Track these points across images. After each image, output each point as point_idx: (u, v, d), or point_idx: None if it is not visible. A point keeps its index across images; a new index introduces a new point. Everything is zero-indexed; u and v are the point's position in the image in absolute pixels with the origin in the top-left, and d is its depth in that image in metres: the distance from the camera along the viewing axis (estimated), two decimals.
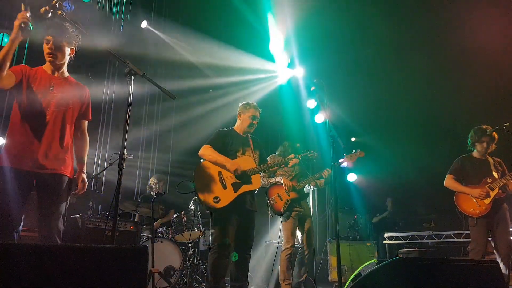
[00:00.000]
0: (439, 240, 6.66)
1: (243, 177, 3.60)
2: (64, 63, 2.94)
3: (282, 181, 4.63)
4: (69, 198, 2.89)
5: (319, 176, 4.74)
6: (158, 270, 4.51)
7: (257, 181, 3.70)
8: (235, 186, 3.58)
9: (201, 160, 3.72)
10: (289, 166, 3.83)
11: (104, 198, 5.21)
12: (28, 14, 2.50)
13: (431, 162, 5.23)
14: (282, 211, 4.61)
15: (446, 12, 7.12)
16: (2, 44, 6.04)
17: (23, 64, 2.86)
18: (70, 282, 1.57)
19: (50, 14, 2.51)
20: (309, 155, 3.92)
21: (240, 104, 4.04)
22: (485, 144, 4.33)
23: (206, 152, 3.67)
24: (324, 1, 7.27)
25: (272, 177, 4.76)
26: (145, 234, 5.39)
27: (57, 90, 2.84)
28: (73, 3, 6.46)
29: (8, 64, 2.57)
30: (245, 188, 3.60)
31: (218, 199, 3.48)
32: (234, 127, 3.99)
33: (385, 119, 8.48)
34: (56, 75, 2.91)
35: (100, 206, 5.83)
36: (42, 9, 2.50)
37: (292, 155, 3.88)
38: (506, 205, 4.24)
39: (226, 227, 3.47)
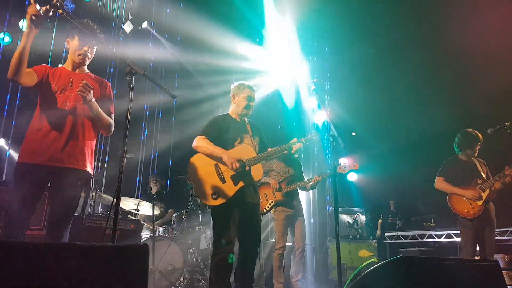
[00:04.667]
0: (440, 240, 6.67)
1: (242, 169, 3.27)
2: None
3: (270, 182, 4.64)
4: (89, 193, 2.89)
5: (308, 181, 4.74)
6: (159, 269, 4.52)
7: (259, 172, 3.37)
8: (235, 179, 3.26)
9: (195, 152, 3.38)
10: (293, 151, 3.51)
11: (104, 197, 5.21)
12: (38, 7, 2.50)
13: (431, 161, 5.23)
14: (264, 210, 4.60)
15: (446, 11, 7.11)
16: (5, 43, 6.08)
17: (45, 64, 2.90)
18: (70, 281, 1.57)
19: (51, 13, 2.52)
20: (313, 137, 3.60)
21: (233, 85, 3.63)
22: (476, 148, 4.38)
23: (201, 143, 3.33)
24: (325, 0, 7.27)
25: (265, 176, 4.76)
26: (146, 232, 5.40)
27: (76, 85, 2.84)
28: (74, 2, 6.47)
29: (26, 59, 2.59)
30: (245, 180, 3.29)
31: (217, 195, 3.18)
32: (229, 112, 3.61)
33: (386, 118, 8.47)
34: (76, 71, 2.95)
35: (100, 204, 5.85)
36: (43, 8, 2.51)
37: (295, 139, 3.54)
38: (492, 204, 4.29)
39: (228, 226, 3.16)
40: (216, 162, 3.29)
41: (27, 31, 2.54)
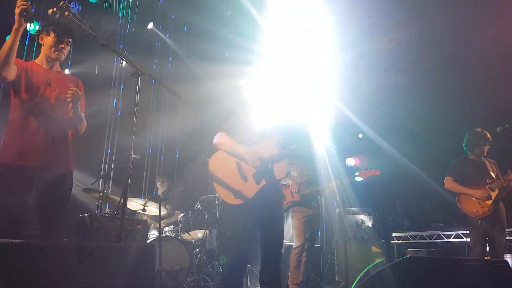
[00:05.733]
0: (448, 240, 6.61)
1: (265, 167, 3.13)
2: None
3: (290, 183, 4.64)
4: (70, 193, 2.87)
5: (327, 186, 4.73)
6: (165, 269, 4.53)
7: (281, 170, 3.21)
8: (257, 177, 3.12)
9: (216, 149, 3.25)
10: (313, 147, 3.50)
11: (111, 198, 5.23)
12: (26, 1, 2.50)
13: (440, 161, 5.19)
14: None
15: (458, 12, 7.04)
16: None
17: (17, 58, 2.81)
18: (78, 281, 1.58)
19: (57, 16, 2.54)
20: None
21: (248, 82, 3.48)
22: (484, 148, 4.35)
23: (221, 140, 3.21)
24: None
25: (285, 177, 4.75)
26: (153, 233, 5.42)
27: (54, 84, 2.84)
28: (80, 4, 6.51)
29: (15, 54, 2.57)
30: (268, 179, 3.14)
31: (238, 194, 3.06)
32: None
33: (394, 117, 8.41)
34: (51, 69, 2.91)
35: (107, 205, 5.88)
36: (50, 11, 2.52)
37: None
38: (502, 205, 4.25)
39: (246, 226, 3.05)
40: (237, 160, 3.16)
41: (16, 25, 2.52)
